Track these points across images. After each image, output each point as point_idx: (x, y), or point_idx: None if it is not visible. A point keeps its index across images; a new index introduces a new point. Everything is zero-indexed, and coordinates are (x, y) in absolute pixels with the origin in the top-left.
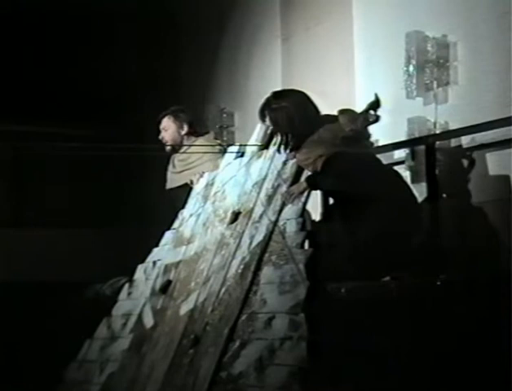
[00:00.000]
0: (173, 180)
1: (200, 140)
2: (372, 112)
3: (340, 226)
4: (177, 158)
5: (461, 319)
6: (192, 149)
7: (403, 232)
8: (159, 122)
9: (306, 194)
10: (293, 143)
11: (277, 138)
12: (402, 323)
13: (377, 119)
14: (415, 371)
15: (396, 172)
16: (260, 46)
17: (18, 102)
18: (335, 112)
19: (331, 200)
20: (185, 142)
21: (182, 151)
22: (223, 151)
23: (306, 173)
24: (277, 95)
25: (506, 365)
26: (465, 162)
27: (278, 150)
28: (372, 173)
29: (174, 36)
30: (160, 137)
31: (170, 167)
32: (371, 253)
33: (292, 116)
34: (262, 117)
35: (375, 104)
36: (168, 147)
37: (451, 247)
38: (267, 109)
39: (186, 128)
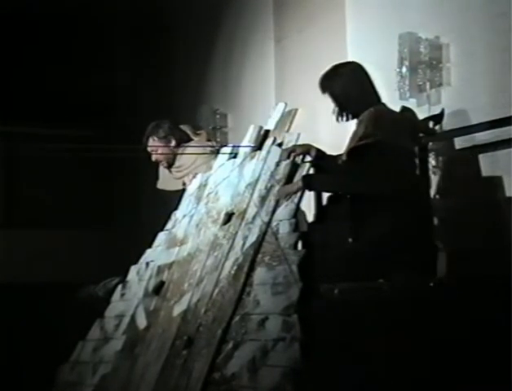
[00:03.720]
0: (172, 184)
1: (192, 144)
2: (431, 123)
3: (334, 227)
4: (173, 166)
5: (455, 321)
6: (187, 152)
7: (400, 234)
8: (145, 147)
9: (299, 195)
10: (350, 113)
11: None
12: (396, 324)
13: (433, 133)
14: (409, 372)
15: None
16: (253, 48)
17: (10, 103)
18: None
19: (324, 201)
20: (178, 151)
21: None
22: (216, 153)
23: (300, 173)
24: (335, 66)
25: (506, 365)
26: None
27: (337, 119)
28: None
29: (167, 37)
30: (153, 160)
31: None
32: (366, 254)
33: (346, 84)
34: (321, 89)
35: (438, 118)
36: (165, 164)
37: (444, 247)
38: (323, 79)
39: (173, 140)
